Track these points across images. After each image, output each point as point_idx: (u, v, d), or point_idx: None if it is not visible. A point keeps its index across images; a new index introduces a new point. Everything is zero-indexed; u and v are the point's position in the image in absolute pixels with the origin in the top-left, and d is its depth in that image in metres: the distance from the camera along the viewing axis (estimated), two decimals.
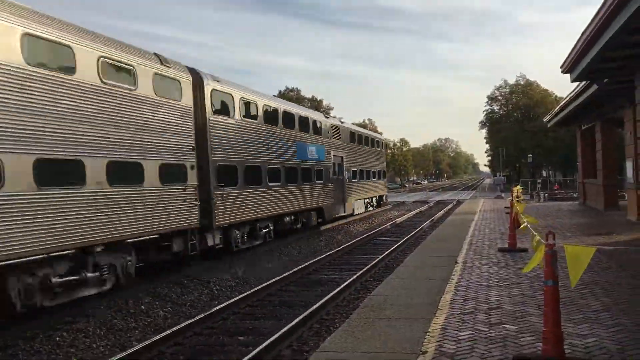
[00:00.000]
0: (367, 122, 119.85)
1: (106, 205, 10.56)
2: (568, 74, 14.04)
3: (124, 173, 11.16)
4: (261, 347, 7.33)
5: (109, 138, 10.80)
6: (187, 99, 13.69)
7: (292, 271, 13.34)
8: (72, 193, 9.81)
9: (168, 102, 12.85)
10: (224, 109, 15.64)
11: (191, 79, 14.01)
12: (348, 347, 5.82)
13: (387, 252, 16.04)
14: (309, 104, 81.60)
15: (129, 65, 11.67)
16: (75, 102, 10.06)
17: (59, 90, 9.76)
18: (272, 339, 7.65)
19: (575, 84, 17.11)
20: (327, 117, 27.09)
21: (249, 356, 7.00)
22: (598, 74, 13.95)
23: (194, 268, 14.03)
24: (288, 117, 20.20)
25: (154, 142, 12.20)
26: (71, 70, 10.14)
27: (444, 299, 7.72)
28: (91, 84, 10.48)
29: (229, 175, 15.42)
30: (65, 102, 9.85)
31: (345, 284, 11.56)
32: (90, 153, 10.26)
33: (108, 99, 10.88)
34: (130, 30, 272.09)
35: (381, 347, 5.71)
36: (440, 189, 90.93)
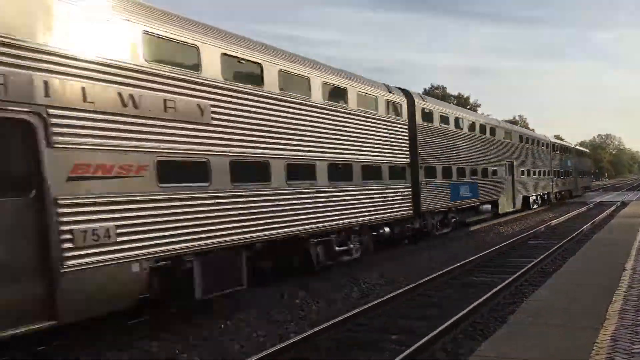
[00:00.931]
0: (517, 118, 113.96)
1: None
2: None
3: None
4: (415, 346, 7.37)
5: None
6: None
7: (441, 272, 13.18)
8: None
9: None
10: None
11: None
12: (506, 352, 5.67)
13: (542, 256, 15.20)
14: (455, 102, 79.58)
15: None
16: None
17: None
18: (425, 339, 7.65)
19: None
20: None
21: (404, 354, 7.07)
22: None
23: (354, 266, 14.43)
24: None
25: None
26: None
27: (612, 308, 7.20)
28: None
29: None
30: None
31: (498, 287, 11.18)
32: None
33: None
34: (284, 34, 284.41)
35: (542, 355, 5.50)
36: (600, 189, 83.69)
